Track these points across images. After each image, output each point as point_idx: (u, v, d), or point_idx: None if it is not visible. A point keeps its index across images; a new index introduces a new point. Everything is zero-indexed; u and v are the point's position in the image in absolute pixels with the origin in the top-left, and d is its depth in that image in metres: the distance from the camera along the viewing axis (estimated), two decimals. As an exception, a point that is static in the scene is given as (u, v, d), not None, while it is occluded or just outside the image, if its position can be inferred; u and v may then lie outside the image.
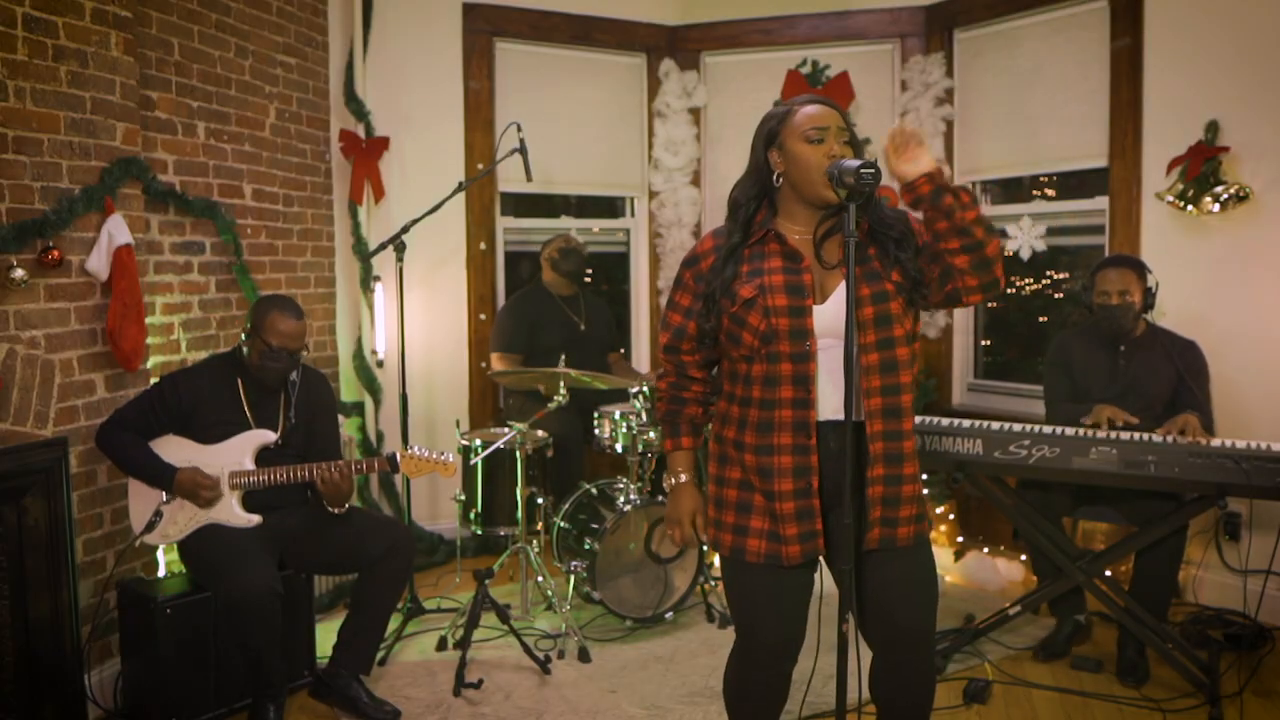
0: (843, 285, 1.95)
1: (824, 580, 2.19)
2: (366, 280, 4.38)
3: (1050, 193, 4.55)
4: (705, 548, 3.73)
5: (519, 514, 3.64)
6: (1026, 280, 4.72)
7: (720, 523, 2.08)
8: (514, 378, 4.13)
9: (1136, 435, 3.00)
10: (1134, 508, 3.22)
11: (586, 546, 3.55)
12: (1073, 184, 4.45)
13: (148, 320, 3.17)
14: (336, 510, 3.02)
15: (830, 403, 1.97)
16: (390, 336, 4.37)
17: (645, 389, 3.77)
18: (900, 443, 2.01)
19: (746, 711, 2.19)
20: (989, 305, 4.81)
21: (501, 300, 4.80)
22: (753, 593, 2.07)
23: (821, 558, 2.08)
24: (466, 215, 4.68)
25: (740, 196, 2.07)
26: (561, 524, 3.74)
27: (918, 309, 2.05)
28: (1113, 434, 3.02)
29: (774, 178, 2.03)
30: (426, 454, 3.06)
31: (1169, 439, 2.96)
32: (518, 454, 3.60)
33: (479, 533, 3.80)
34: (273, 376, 3.01)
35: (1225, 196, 3.56)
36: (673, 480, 2.20)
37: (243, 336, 3.03)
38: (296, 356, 3.03)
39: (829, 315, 1.96)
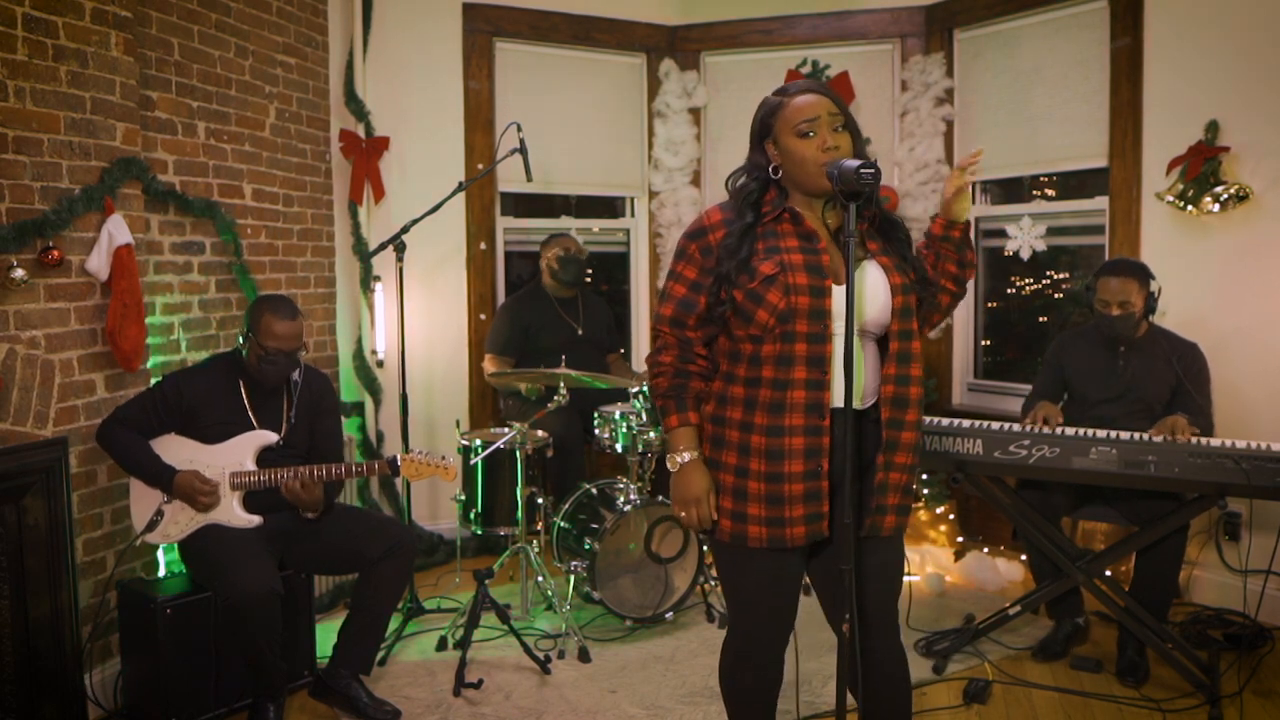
0: (858, 271, 1.98)
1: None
2: (366, 280, 4.38)
3: (1050, 193, 4.55)
4: (705, 547, 3.74)
5: (519, 514, 3.64)
6: (1026, 280, 4.72)
7: (718, 508, 2.05)
8: (500, 379, 4.13)
9: (1135, 435, 3.01)
10: (1134, 508, 3.22)
11: (586, 546, 3.55)
12: (1073, 184, 4.45)
13: (148, 320, 3.16)
14: (310, 515, 3.02)
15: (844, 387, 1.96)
16: (390, 337, 4.37)
17: (645, 389, 3.77)
18: (900, 432, 2.01)
19: (743, 699, 2.17)
20: (989, 305, 4.81)
21: (501, 300, 4.80)
22: (753, 578, 2.06)
23: (810, 565, 2.10)
24: (466, 215, 4.68)
25: (740, 187, 2.08)
26: (561, 524, 3.74)
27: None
28: (1112, 434, 3.03)
29: (772, 169, 2.04)
30: (427, 457, 3.06)
31: (1162, 439, 2.97)
32: (518, 454, 3.60)
33: (479, 533, 3.80)
34: (272, 378, 3.01)
35: (1225, 196, 3.56)
36: (679, 459, 2.06)
37: (240, 339, 3.03)
38: (295, 357, 3.02)
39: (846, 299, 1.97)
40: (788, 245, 1.99)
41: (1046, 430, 3.08)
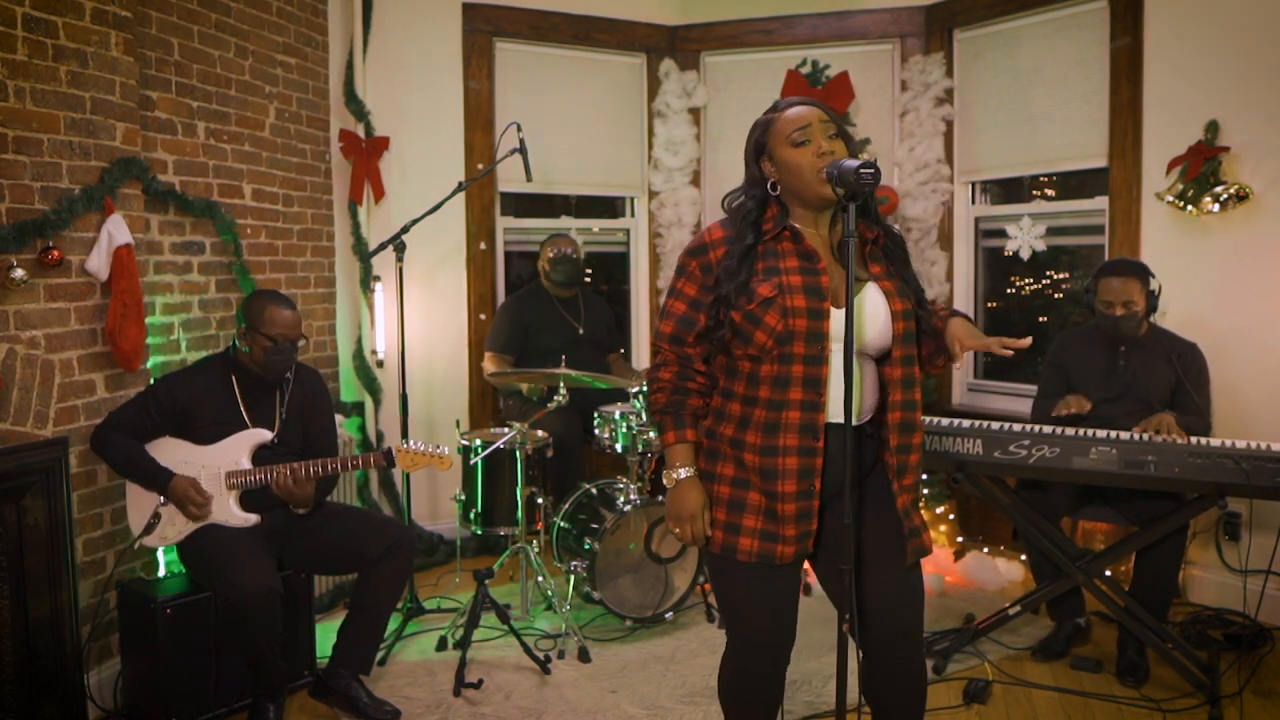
0: (859, 294, 1.99)
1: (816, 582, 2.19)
2: (366, 280, 4.38)
3: (1050, 193, 4.55)
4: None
5: (519, 514, 3.64)
6: (1026, 280, 4.72)
7: (711, 520, 2.06)
8: (499, 378, 4.13)
9: (1134, 435, 3.01)
10: (1134, 508, 3.22)
11: (586, 546, 3.55)
12: (1073, 184, 4.45)
13: (148, 320, 3.17)
14: (300, 511, 3.02)
15: (840, 406, 1.96)
16: (390, 336, 4.37)
17: (645, 388, 3.77)
18: (909, 455, 2.04)
19: (742, 713, 2.18)
20: (989, 305, 4.81)
21: (501, 300, 4.80)
22: (744, 592, 2.06)
23: (807, 562, 2.11)
24: (466, 215, 4.68)
25: (739, 208, 2.07)
26: (561, 524, 3.75)
27: None
28: (1112, 434, 3.03)
29: (770, 186, 2.03)
30: (422, 448, 3.06)
31: (1144, 437, 2.98)
32: (518, 454, 3.60)
33: (479, 533, 3.80)
34: (279, 368, 3.02)
35: (1225, 196, 3.56)
36: (675, 475, 2.07)
37: (235, 340, 3.03)
38: (297, 345, 3.04)
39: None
40: (787, 265, 1.98)
41: (1048, 429, 3.09)
